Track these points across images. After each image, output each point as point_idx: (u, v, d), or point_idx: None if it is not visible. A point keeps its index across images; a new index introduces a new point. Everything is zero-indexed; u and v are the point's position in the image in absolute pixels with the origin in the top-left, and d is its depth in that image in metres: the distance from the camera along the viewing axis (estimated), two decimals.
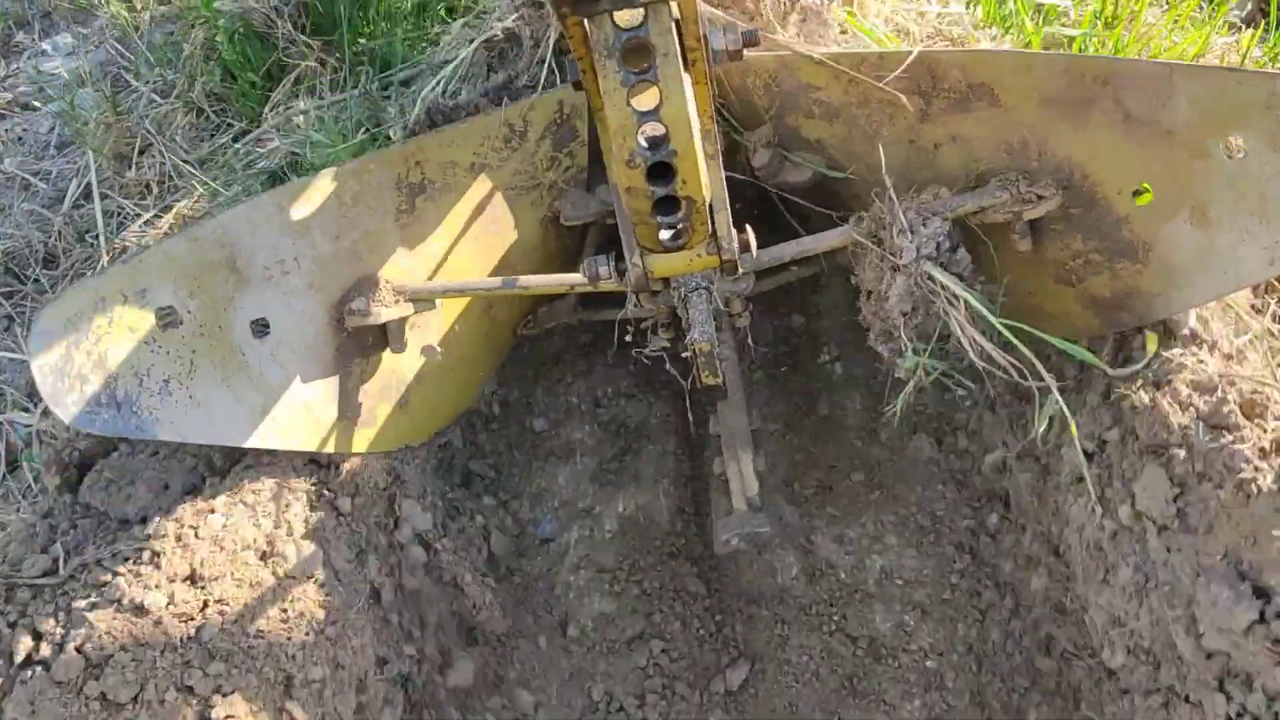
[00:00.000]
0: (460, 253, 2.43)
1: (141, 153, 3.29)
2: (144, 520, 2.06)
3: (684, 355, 2.17)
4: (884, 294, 2.10)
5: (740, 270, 2.06)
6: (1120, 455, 2.02)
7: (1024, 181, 2.09)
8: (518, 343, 3.13)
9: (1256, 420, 1.81)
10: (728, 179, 2.65)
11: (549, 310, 2.92)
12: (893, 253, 2.08)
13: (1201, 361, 1.97)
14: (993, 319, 2.03)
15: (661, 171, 1.52)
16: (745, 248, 1.86)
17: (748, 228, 1.88)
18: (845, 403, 3.12)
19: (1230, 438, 1.77)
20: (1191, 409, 1.88)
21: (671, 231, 1.65)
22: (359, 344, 2.32)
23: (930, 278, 2.05)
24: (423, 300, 2.30)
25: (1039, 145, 2.07)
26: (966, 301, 2.03)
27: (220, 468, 2.23)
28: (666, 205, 1.57)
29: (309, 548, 2.13)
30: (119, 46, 3.81)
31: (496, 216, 2.49)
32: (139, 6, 3.88)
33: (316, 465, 2.31)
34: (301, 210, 2.19)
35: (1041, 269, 2.23)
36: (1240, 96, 1.77)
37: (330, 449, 2.30)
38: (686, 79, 1.58)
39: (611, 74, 1.41)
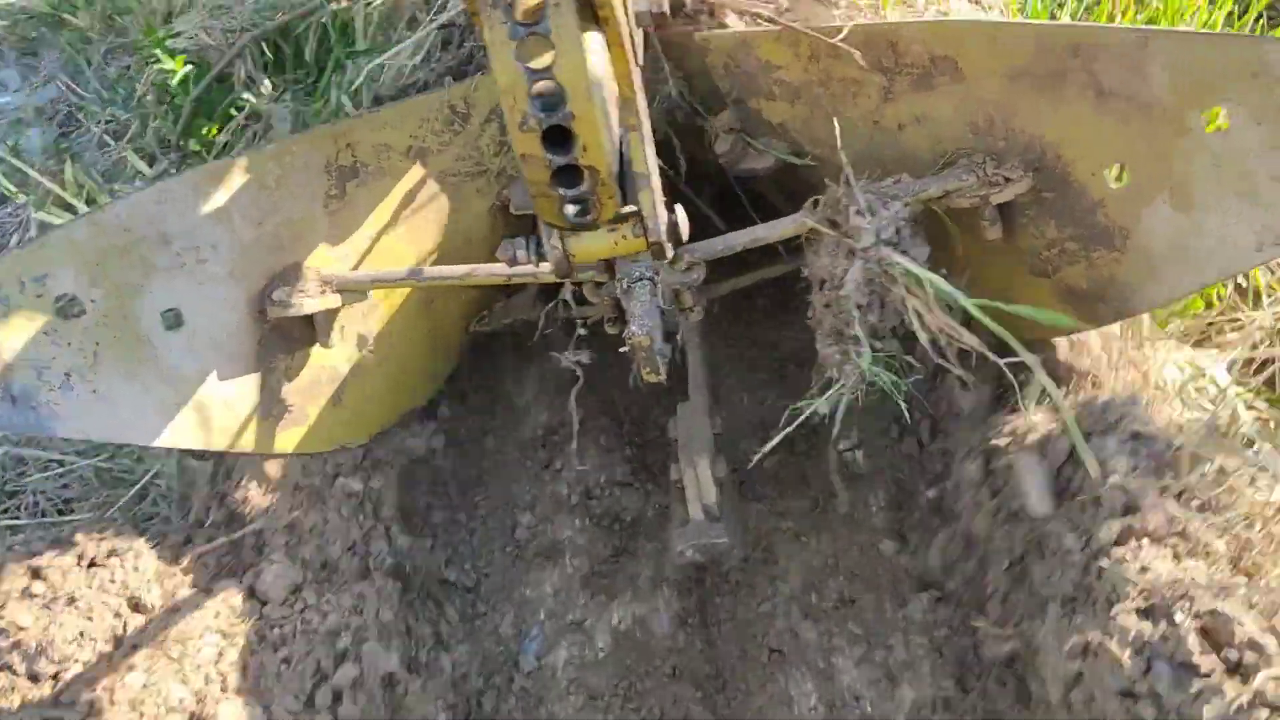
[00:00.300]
0: (397, 242, 2.29)
1: (89, 204, 3.03)
2: (55, 677, 1.85)
3: (623, 350, 2.01)
4: (839, 282, 1.93)
5: (673, 257, 1.91)
6: (1100, 688, 1.71)
7: (991, 163, 1.92)
8: (499, 425, 2.91)
9: (1225, 649, 1.53)
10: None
11: (505, 305, 2.77)
12: (849, 235, 1.91)
13: (1145, 570, 1.69)
14: (961, 298, 1.85)
15: (559, 137, 1.36)
16: (674, 230, 1.70)
17: (678, 208, 1.72)
18: (869, 499, 2.69)
19: (1199, 686, 1.50)
20: (1148, 648, 1.59)
21: (577, 206, 1.50)
22: (284, 337, 2.18)
23: (890, 263, 1.88)
24: (352, 291, 2.16)
25: (1006, 123, 1.90)
26: (931, 285, 1.85)
27: (145, 604, 2.01)
28: (567, 175, 1.41)
29: (247, 706, 1.91)
30: (69, 82, 3.57)
31: (437, 204, 2.34)
32: (92, 37, 3.63)
33: (259, 601, 2.09)
34: (220, 193, 2.05)
35: (1014, 258, 2.06)
36: (1223, 64, 1.60)
37: (252, 448, 2.16)
38: (595, 37, 1.43)
39: (498, 25, 1.26)
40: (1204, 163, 1.68)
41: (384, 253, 2.27)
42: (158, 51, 3.05)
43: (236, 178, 2.06)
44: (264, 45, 3.12)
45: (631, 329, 1.93)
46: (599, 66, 1.45)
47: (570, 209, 1.49)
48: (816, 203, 2.02)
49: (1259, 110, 1.59)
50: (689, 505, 2.35)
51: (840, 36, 1.95)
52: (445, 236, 2.37)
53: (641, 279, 2.03)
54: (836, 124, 1.88)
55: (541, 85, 1.31)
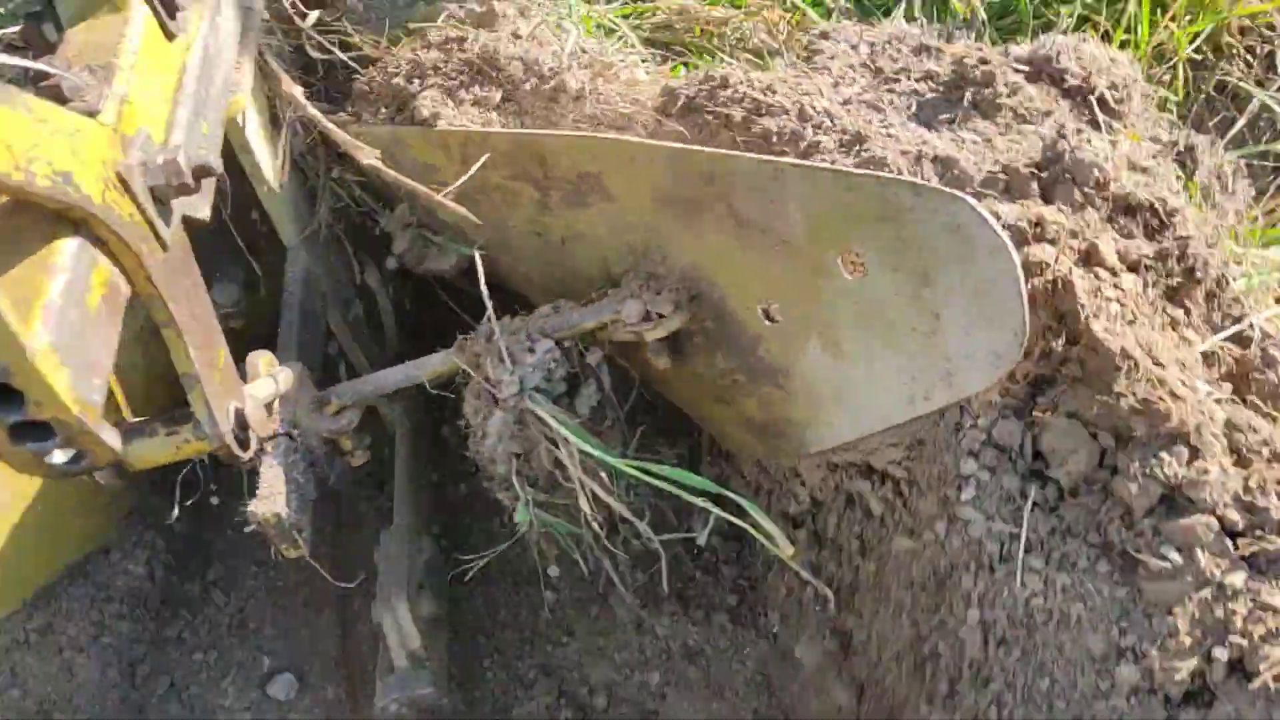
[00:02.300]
0: None
1: None
2: None
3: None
4: (483, 431, 1.72)
5: (321, 402, 1.68)
6: None
7: (651, 291, 1.71)
8: None
9: None
10: None
11: None
12: (492, 383, 1.69)
13: None
14: (610, 459, 1.67)
15: (2, 394, 1.09)
16: (244, 427, 1.45)
17: (247, 396, 1.47)
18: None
19: None
20: None
21: (63, 456, 1.24)
22: None
23: (535, 415, 1.68)
24: None
25: (661, 249, 1.70)
26: (578, 445, 1.65)
27: None
28: (30, 431, 1.14)
29: None
30: None
31: None
32: None
33: None
34: None
35: (697, 384, 1.87)
36: (852, 205, 1.42)
37: None
38: (67, 247, 1.16)
39: None
40: (847, 308, 1.50)
41: None
42: None
43: None
44: None
45: (251, 506, 1.68)
46: (76, 281, 1.17)
47: (57, 459, 1.21)
48: (466, 339, 1.79)
49: (890, 257, 1.42)
50: (392, 653, 2.12)
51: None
52: None
53: (274, 436, 1.78)
54: (479, 260, 1.67)
55: None
